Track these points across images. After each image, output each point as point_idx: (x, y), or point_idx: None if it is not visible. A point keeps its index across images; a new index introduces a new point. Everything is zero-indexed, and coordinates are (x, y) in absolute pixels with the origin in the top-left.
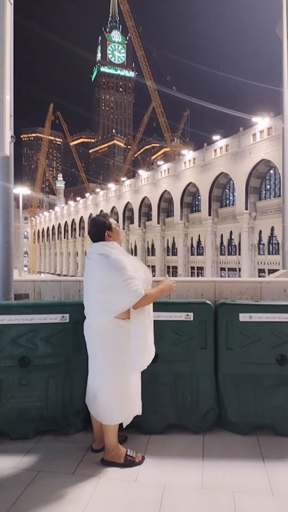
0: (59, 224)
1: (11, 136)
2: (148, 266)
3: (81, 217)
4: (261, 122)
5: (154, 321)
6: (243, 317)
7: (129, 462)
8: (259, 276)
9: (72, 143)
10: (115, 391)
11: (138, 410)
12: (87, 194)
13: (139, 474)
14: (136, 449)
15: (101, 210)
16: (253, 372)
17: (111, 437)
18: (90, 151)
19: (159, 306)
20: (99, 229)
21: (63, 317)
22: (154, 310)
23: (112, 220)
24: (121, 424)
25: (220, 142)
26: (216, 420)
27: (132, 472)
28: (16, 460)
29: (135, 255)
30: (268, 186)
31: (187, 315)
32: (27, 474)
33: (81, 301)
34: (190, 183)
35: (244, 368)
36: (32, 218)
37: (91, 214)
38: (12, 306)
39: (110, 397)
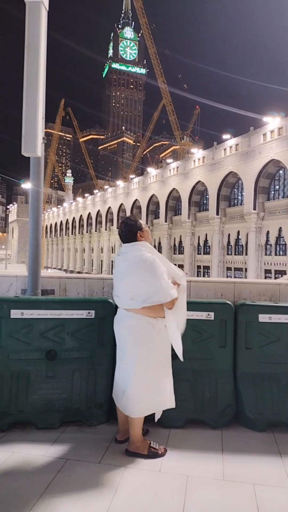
0: (67, 220)
1: (43, 138)
2: None
3: (89, 213)
4: (272, 122)
5: None
6: (263, 318)
7: (153, 454)
8: (265, 277)
9: (81, 140)
10: (144, 385)
11: (170, 403)
12: (96, 191)
13: (162, 465)
14: (158, 442)
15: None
16: (270, 371)
17: (137, 429)
18: (99, 147)
19: None
20: (132, 230)
21: (89, 313)
22: None
23: (142, 221)
24: (150, 419)
25: (230, 141)
26: (233, 416)
27: (155, 463)
28: (44, 448)
29: None
30: (277, 187)
31: (208, 314)
32: (56, 461)
33: (106, 298)
34: (199, 181)
35: (262, 367)
36: None
37: (99, 210)
38: (42, 301)
39: (139, 391)
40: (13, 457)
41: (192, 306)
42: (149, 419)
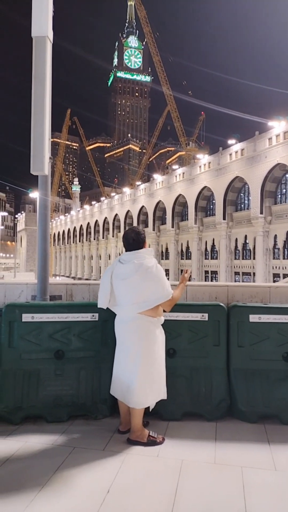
0: (75, 227)
1: (49, 158)
2: None
3: (96, 220)
4: (277, 126)
5: (173, 320)
6: (253, 318)
7: (151, 442)
8: (274, 281)
9: (88, 148)
10: (148, 378)
11: (163, 394)
12: (102, 198)
13: (160, 452)
14: (157, 432)
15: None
16: (261, 367)
17: (138, 419)
18: (106, 155)
19: (177, 307)
20: (140, 238)
21: (93, 316)
22: (174, 311)
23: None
24: (146, 410)
25: (235, 146)
26: (227, 409)
27: (154, 450)
28: (53, 438)
29: None
30: (284, 190)
31: (203, 315)
32: (64, 449)
33: None
34: (205, 187)
35: (253, 364)
36: None
37: (106, 218)
38: (50, 306)
39: (143, 384)
40: (26, 445)
41: (188, 308)
42: (148, 412)
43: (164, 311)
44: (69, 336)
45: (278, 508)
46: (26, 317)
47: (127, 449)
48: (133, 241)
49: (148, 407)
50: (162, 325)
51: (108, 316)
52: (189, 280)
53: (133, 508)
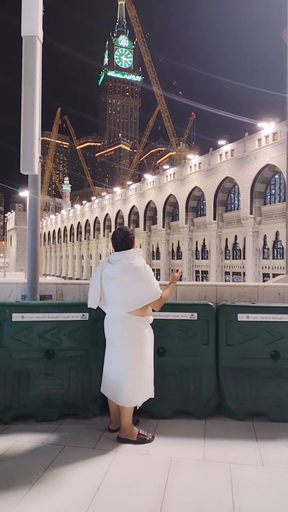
0: (65, 227)
1: (39, 157)
2: (153, 269)
3: (87, 220)
4: (267, 127)
5: (163, 319)
6: (241, 317)
7: (141, 440)
8: (264, 281)
9: (78, 147)
10: (137, 377)
11: (151, 393)
12: (93, 198)
13: (149, 449)
14: (147, 430)
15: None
16: (249, 366)
17: (127, 418)
18: (96, 154)
19: (167, 307)
20: (129, 238)
21: (83, 315)
22: (164, 311)
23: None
24: (134, 408)
25: (225, 147)
26: (216, 407)
27: (143, 447)
28: (44, 437)
29: None
30: (273, 191)
31: (192, 315)
32: (54, 448)
33: None
34: (196, 187)
35: (241, 362)
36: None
37: (96, 217)
38: (40, 305)
39: (132, 383)
40: (16, 444)
41: (177, 307)
42: (138, 411)
43: (153, 310)
44: (60, 336)
45: (265, 503)
46: (16, 317)
47: (117, 447)
48: (122, 241)
49: (142, 408)
50: (151, 324)
51: (98, 316)
52: (180, 280)
53: (123, 505)
